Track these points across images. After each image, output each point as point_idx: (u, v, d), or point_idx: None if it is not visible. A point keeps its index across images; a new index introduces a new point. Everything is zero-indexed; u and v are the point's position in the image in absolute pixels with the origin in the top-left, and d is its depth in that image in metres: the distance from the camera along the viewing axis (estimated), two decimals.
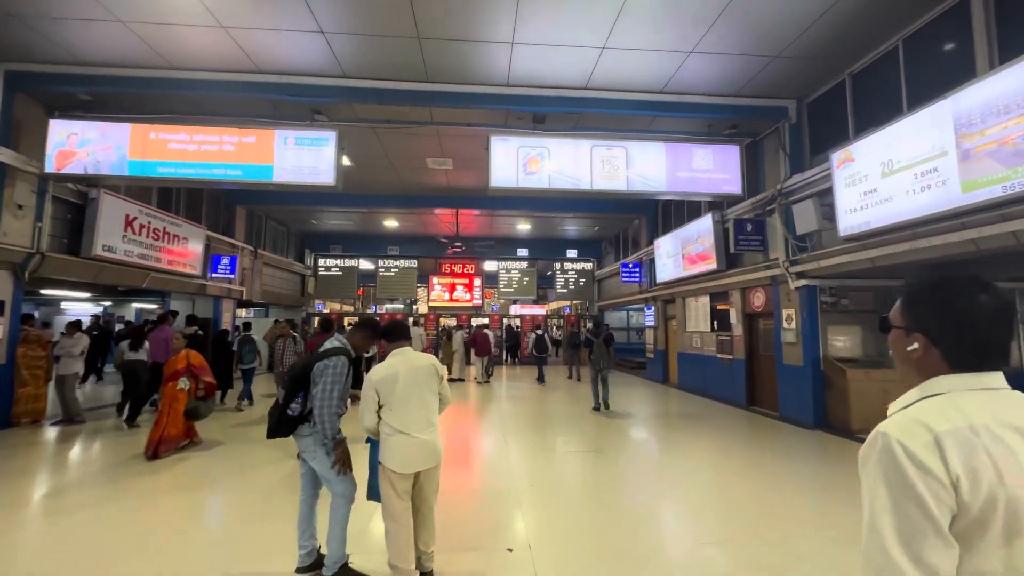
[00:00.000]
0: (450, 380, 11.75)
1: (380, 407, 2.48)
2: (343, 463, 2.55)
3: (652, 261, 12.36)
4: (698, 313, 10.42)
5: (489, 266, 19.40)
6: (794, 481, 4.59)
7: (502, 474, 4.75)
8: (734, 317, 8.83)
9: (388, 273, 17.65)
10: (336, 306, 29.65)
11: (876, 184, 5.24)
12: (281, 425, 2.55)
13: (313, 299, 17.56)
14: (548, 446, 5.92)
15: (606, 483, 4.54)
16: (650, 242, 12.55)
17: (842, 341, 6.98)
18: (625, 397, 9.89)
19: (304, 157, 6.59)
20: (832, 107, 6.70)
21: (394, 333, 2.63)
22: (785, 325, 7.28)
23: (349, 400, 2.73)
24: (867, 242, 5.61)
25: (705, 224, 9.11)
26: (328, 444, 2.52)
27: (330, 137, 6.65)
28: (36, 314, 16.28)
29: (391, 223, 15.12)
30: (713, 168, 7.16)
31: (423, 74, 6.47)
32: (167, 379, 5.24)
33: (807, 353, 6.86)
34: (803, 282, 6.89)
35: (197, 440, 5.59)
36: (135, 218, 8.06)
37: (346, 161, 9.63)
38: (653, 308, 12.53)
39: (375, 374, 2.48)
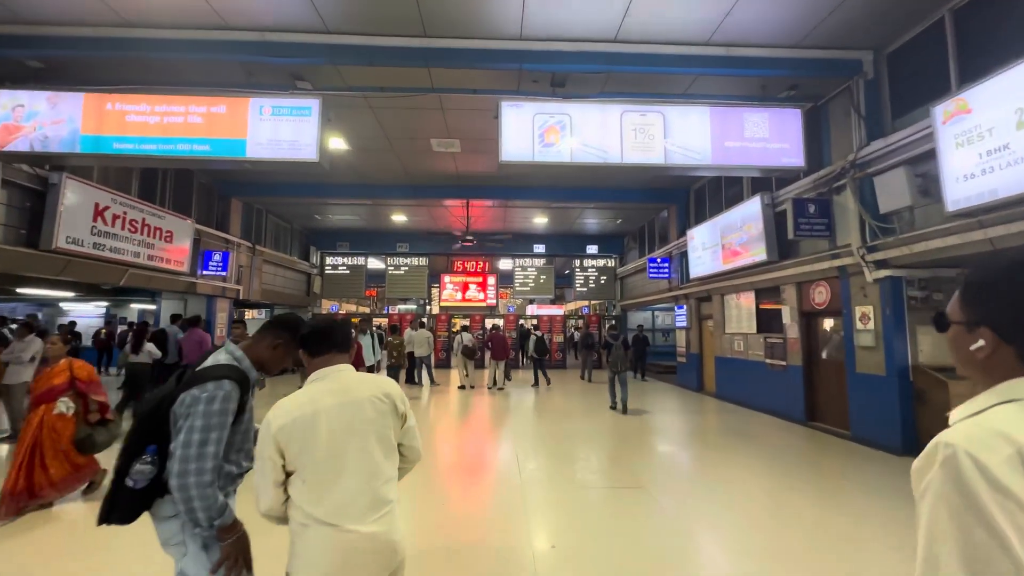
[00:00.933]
0: (460, 388, 10.73)
1: (287, 476, 1.41)
2: (234, 564, 1.48)
3: (684, 255, 11.10)
4: (740, 312, 9.14)
5: (504, 264, 18.33)
6: (893, 529, 3.37)
7: (512, 523, 3.64)
8: (788, 316, 7.54)
9: (398, 272, 16.75)
10: (352, 307, 28.98)
11: (1008, 139, 3.96)
12: (116, 504, 1.49)
13: (320, 299, 16.75)
14: (573, 479, 4.79)
15: (649, 540, 3.39)
16: (681, 234, 11.29)
17: (936, 346, 5.66)
18: (658, 408, 8.68)
19: (282, 129, 5.62)
20: (924, 55, 5.40)
21: (319, 340, 1.55)
22: (859, 326, 6.00)
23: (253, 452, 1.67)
24: (987, 217, 4.33)
25: (751, 209, 7.85)
26: (205, 533, 1.46)
27: (312, 106, 5.66)
28: (40, 315, 15.95)
29: (399, 218, 14.18)
30: (769, 136, 5.93)
31: (419, 28, 5.42)
32: (37, 400, 3.78)
33: (891, 360, 5.57)
34: (884, 273, 5.61)
35: (99, 479, 4.06)
36: (107, 207, 7.23)
37: (342, 144, 8.69)
38: (685, 307, 11.26)
39: (277, 418, 1.41)
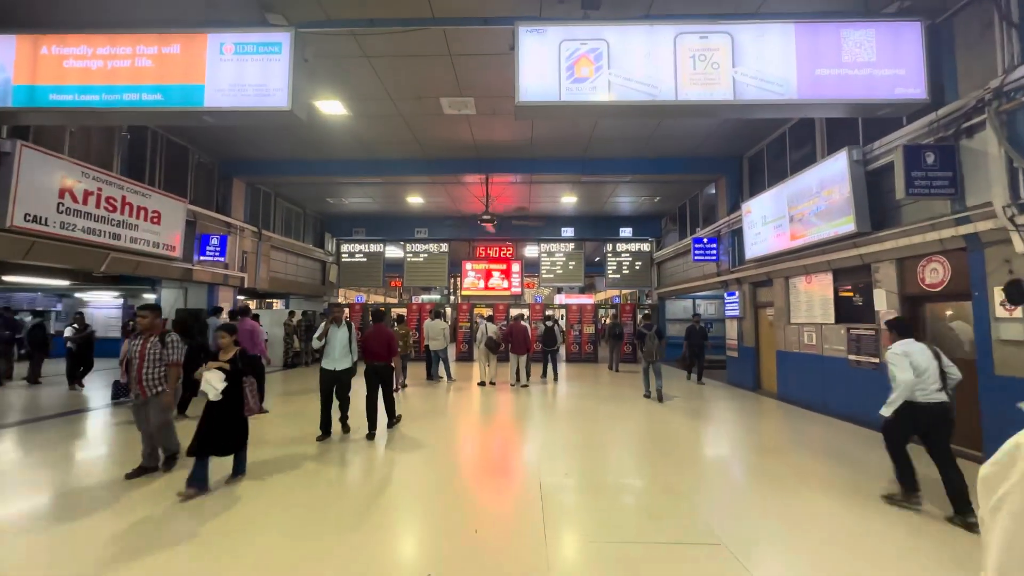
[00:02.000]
0: (480, 384, 9.63)
1: None
2: None
3: (736, 234, 9.57)
4: (811, 299, 7.60)
5: (530, 251, 17.06)
6: None
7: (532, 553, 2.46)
8: (882, 302, 6.00)
9: (416, 259, 15.79)
10: (379, 297, 28.43)
11: None
12: None
13: (336, 288, 15.99)
14: (605, 503, 3.56)
15: None
16: (732, 209, 9.75)
17: None
18: (715, 413, 7.30)
19: (247, 71, 4.54)
20: None
21: None
22: (999, 313, 4.47)
23: None
24: None
25: (834, 168, 6.31)
26: None
27: (283, 42, 4.55)
28: (59, 306, 15.85)
29: (415, 200, 13.12)
30: (876, 60, 4.43)
31: None
32: None
33: None
34: None
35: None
36: (76, 182, 6.41)
37: (340, 109, 7.63)
38: (737, 293, 9.74)
39: None
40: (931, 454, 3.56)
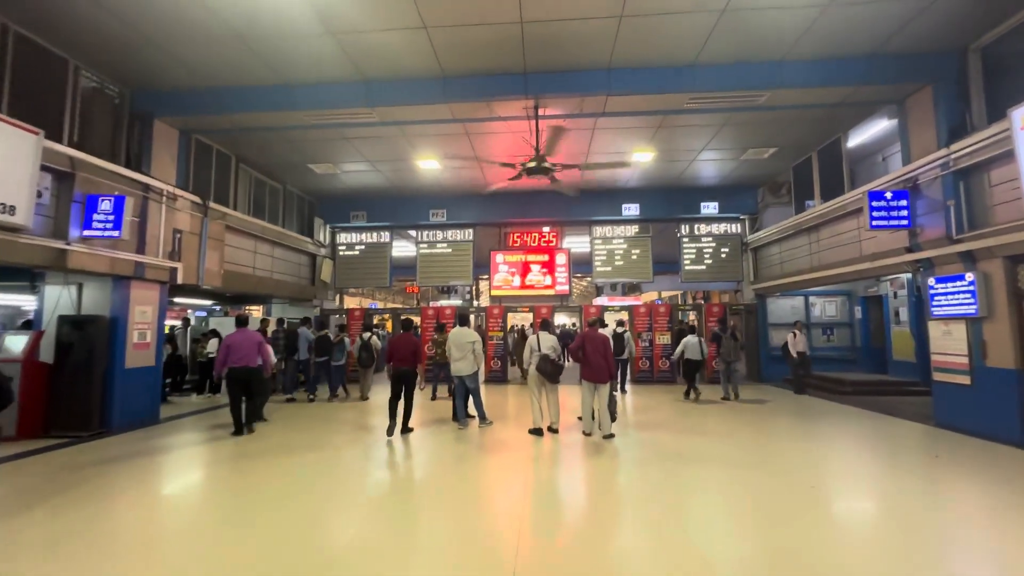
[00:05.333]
0: (531, 431, 5.87)
1: None
2: None
3: (965, 176, 5.65)
4: None
5: (574, 242, 13.27)
6: None
7: None
8: None
9: (431, 250, 12.20)
10: (392, 302, 24.92)
11: None
12: None
13: (331, 289, 12.49)
14: None
15: None
16: (953, 137, 5.84)
17: None
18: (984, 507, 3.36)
19: None
20: None
21: None
22: None
23: None
24: None
25: None
26: None
27: None
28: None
29: (428, 164, 9.54)
30: None
31: None
32: None
33: None
34: None
35: None
36: None
37: None
38: (973, 276, 5.73)
39: None
40: None
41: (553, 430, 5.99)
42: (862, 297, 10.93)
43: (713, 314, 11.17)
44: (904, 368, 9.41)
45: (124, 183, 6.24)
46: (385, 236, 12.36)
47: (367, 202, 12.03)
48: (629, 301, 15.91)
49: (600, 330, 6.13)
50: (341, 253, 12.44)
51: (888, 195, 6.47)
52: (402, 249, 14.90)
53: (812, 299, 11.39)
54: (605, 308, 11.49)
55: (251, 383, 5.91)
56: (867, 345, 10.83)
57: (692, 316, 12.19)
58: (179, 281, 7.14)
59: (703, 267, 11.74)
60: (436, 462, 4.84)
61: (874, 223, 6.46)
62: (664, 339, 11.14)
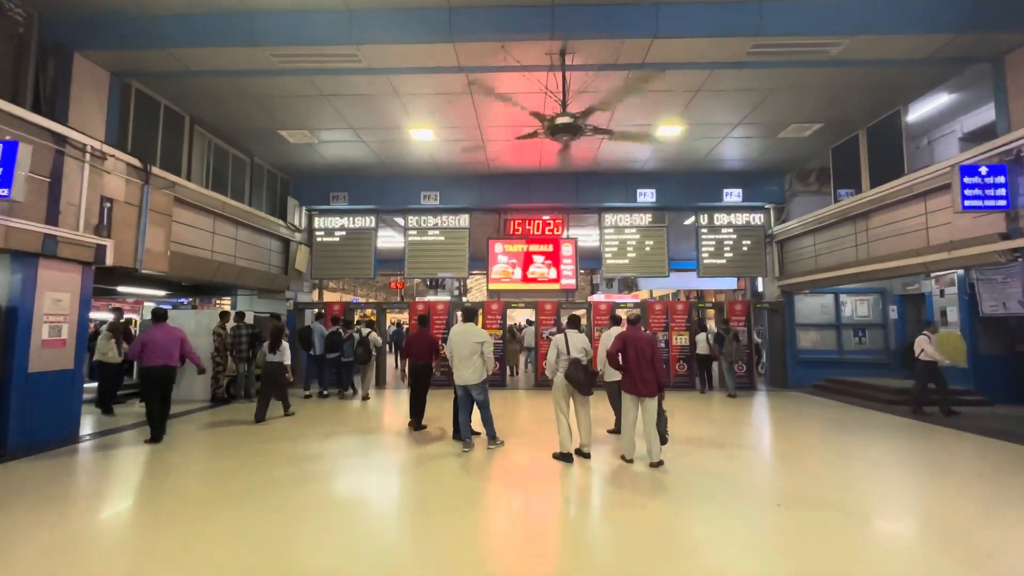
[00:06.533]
0: (557, 456, 4.62)
1: None
2: None
3: None
4: None
5: (578, 235, 12.04)
6: None
7: None
8: None
9: (422, 238, 10.84)
10: (380, 297, 23.32)
11: None
12: None
13: (307, 280, 11.01)
14: None
15: None
16: None
17: None
18: None
19: None
20: None
21: None
22: None
23: None
24: None
25: None
26: None
27: None
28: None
29: (422, 135, 8.20)
30: None
31: None
32: None
33: None
34: None
35: None
36: None
37: None
38: None
39: None
40: None
41: (584, 454, 4.75)
42: (898, 296, 9.98)
43: (736, 312, 10.09)
44: (952, 375, 8.46)
45: (25, 129, 4.74)
46: (370, 221, 10.95)
47: (349, 181, 10.60)
48: (627, 299, 14.71)
49: (641, 329, 4.90)
50: (319, 239, 10.97)
51: (983, 170, 5.40)
52: (387, 240, 13.48)
53: (843, 297, 10.39)
54: (617, 304, 10.29)
55: (169, 384, 5.46)
56: (902, 348, 9.88)
57: (712, 313, 11.07)
58: (109, 262, 5.66)
59: (723, 261, 10.65)
60: (435, 504, 3.53)
61: (966, 204, 5.37)
62: (682, 339, 10.02)
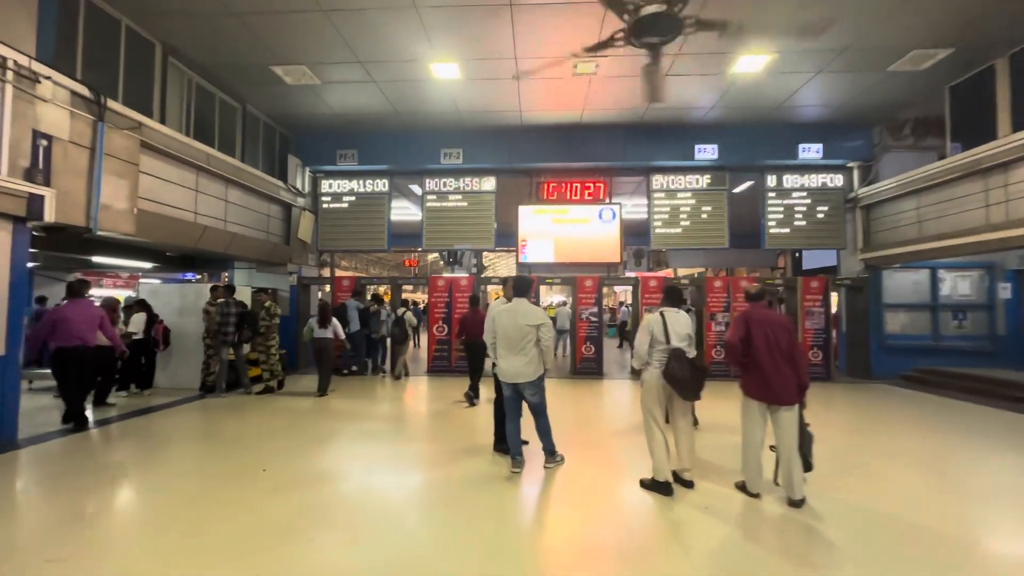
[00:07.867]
0: (647, 486, 3.22)
1: None
2: None
3: None
4: None
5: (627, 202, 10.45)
6: None
7: None
8: None
9: (442, 203, 9.41)
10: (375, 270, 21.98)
11: None
12: None
13: (310, 251, 9.69)
14: None
15: None
16: None
17: None
18: None
19: None
20: None
21: None
22: None
23: None
24: None
25: None
26: None
27: None
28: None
29: (446, 70, 6.70)
30: None
31: None
32: None
33: None
34: None
35: None
36: None
37: None
38: None
39: None
40: None
41: (684, 481, 3.39)
42: (1011, 271, 8.33)
43: (812, 291, 8.55)
44: None
45: None
46: (383, 184, 9.53)
47: (359, 136, 9.16)
48: (659, 275, 13.11)
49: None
50: (325, 205, 9.61)
51: None
52: (401, 211, 12.09)
53: (940, 273, 8.76)
54: (676, 278, 8.80)
55: (86, 366, 4.94)
56: (1016, 333, 8.28)
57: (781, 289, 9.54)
58: (50, 218, 4.35)
59: (788, 230, 9.06)
60: (482, 560, 2.22)
61: None
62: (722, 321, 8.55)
